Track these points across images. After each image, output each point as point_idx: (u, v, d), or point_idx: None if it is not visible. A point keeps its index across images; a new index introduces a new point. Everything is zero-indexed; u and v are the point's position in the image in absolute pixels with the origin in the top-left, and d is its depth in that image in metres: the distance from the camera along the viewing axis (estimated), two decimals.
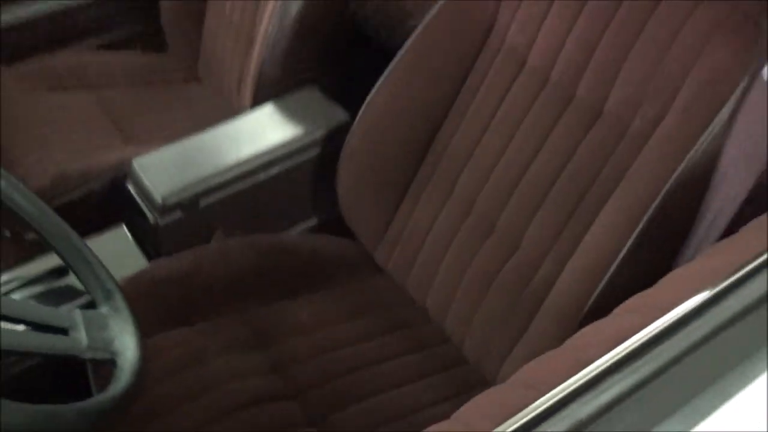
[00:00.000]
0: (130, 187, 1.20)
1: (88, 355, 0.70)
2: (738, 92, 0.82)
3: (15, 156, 1.37)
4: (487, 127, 1.07)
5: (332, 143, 1.24)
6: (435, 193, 1.13)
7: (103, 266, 0.81)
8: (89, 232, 1.22)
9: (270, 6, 1.38)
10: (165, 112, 1.53)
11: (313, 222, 1.31)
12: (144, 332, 1.01)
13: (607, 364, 0.53)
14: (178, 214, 1.16)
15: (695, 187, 0.89)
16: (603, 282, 0.89)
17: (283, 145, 1.23)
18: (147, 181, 1.16)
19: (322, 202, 1.29)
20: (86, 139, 1.40)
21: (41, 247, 1.03)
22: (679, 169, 0.85)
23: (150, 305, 1.06)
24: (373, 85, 1.15)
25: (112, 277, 0.80)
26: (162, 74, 1.65)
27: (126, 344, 0.73)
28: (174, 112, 1.54)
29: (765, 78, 0.81)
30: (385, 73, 1.13)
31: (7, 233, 1.21)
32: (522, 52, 1.04)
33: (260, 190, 1.22)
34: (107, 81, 1.57)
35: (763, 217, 0.71)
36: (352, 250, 1.22)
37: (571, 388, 0.51)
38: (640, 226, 0.87)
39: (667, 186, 0.86)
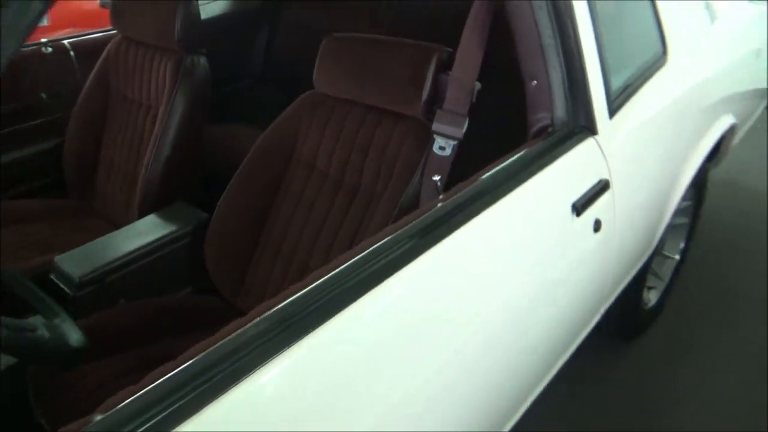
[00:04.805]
0: (53, 276, 1.45)
1: (51, 343, 0.96)
2: (422, 163, 1.29)
3: None
4: (296, 208, 1.47)
5: (198, 234, 1.58)
6: (269, 255, 1.49)
7: (54, 302, 1.04)
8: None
9: (146, 154, 1.74)
10: (70, 238, 1.74)
11: (188, 289, 1.61)
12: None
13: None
14: (90, 289, 1.42)
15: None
16: None
17: (163, 237, 1.54)
18: (66, 269, 1.42)
19: (194, 274, 1.59)
20: (13, 255, 1.62)
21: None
22: (397, 207, 1.29)
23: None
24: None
25: (58, 305, 1.03)
26: (65, 212, 1.90)
27: (72, 331, 0.98)
28: (78, 237, 1.77)
29: (436, 151, 1.28)
30: (231, 182, 1.51)
31: None
32: (311, 161, 1.47)
33: (150, 269, 1.50)
34: (24, 219, 1.80)
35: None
36: (218, 303, 1.51)
37: None
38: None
39: (393, 216, 1.29)
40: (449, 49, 1.32)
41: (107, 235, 1.54)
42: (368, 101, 1.40)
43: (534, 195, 1.12)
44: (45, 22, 2.67)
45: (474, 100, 1.26)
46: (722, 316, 2.19)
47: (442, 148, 1.26)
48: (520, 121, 1.31)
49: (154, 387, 0.65)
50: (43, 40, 1.98)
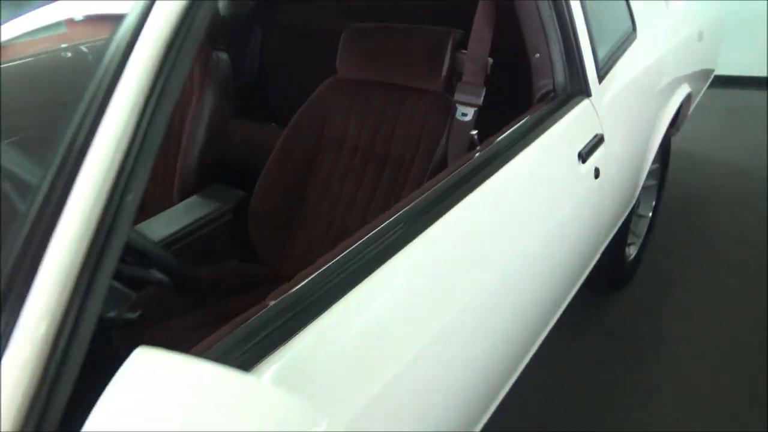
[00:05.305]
0: None
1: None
2: (446, 131, 1.52)
3: None
4: (331, 180, 1.68)
5: (239, 211, 1.77)
6: (309, 223, 1.68)
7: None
8: None
9: (181, 146, 1.92)
10: None
11: (234, 260, 1.79)
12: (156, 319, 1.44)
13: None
14: None
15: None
16: None
17: (211, 213, 1.73)
18: None
19: (238, 245, 1.78)
20: None
21: None
22: (431, 166, 1.52)
23: (153, 306, 1.48)
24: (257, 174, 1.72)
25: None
26: None
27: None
28: None
29: (458, 117, 1.51)
30: (268, 162, 1.71)
31: None
32: (341, 138, 1.68)
33: (202, 241, 1.68)
34: None
35: None
36: (262, 269, 1.70)
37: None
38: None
39: (425, 180, 1.52)
40: (461, 31, 1.56)
41: (159, 214, 1.71)
42: (392, 80, 1.63)
43: (548, 146, 1.36)
44: (63, 29, 2.79)
45: (489, 72, 1.50)
46: (690, 269, 2.50)
47: (464, 115, 1.49)
48: (520, 92, 1.55)
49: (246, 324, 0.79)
50: (63, 45, 2.12)
